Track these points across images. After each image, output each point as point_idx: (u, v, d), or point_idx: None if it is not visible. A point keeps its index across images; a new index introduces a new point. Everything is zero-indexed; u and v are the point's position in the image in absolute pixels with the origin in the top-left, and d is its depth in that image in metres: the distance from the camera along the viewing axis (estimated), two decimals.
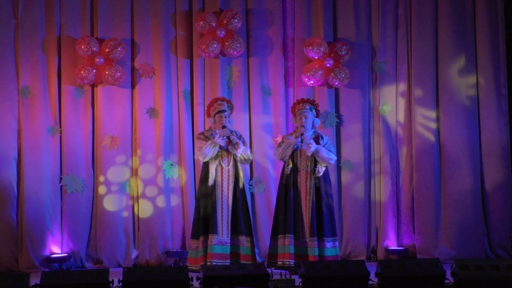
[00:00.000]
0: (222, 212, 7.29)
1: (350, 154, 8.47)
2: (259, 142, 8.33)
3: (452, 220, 8.34)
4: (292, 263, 7.15)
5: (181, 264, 7.86)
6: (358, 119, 8.47)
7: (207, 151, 7.26)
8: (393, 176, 8.48)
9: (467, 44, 8.48)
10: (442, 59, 8.46)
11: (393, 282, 6.30)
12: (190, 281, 6.20)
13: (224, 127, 7.30)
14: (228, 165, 7.35)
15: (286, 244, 7.20)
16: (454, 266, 6.40)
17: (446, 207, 8.37)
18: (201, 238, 7.27)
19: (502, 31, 8.48)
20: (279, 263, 7.21)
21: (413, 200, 8.45)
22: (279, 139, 8.30)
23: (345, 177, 8.47)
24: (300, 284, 6.41)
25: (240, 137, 7.46)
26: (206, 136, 7.37)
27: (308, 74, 8.28)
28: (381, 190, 8.46)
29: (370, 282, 6.38)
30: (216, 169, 7.31)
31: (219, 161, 7.33)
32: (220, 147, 7.30)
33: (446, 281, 6.40)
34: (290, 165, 7.31)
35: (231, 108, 7.55)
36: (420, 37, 8.46)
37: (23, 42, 8.03)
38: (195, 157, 7.76)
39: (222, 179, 7.33)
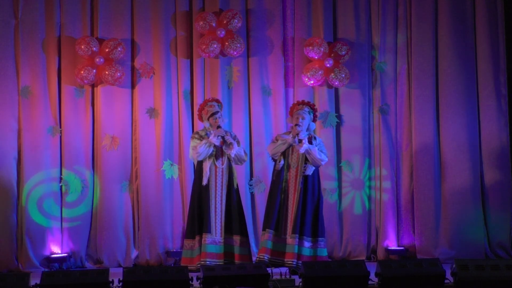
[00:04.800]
0: (215, 211, 7.32)
1: (350, 154, 8.47)
2: (259, 142, 8.33)
3: (452, 220, 8.34)
4: (266, 257, 7.20)
5: (181, 264, 7.86)
6: (358, 119, 8.46)
7: (201, 150, 7.28)
8: (393, 176, 8.47)
9: (467, 44, 8.47)
10: (442, 59, 8.46)
11: (393, 282, 6.30)
12: (190, 281, 6.20)
13: (219, 127, 7.32)
14: (222, 164, 7.37)
15: (265, 239, 7.26)
16: (454, 266, 6.40)
17: (446, 207, 8.37)
18: (197, 238, 7.30)
19: (502, 31, 8.47)
20: (256, 258, 7.30)
21: (413, 200, 8.45)
22: None
23: (345, 177, 8.47)
24: (300, 284, 6.41)
25: (234, 137, 7.49)
26: (201, 136, 7.39)
27: (308, 74, 8.27)
28: (381, 190, 8.46)
29: (370, 282, 6.39)
30: (210, 168, 7.33)
31: (213, 160, 7.35)
32: (215, 146, 7.32)
33: (446, 281, 6.40)
34: (282, 161, 7.34)
35: (221, 107, 7.56)
36: (420, 37, 8.45)
37: (23, 42, 8.02)
38: (189, 156, 7.79)
39: (216, 179, 7.35)
